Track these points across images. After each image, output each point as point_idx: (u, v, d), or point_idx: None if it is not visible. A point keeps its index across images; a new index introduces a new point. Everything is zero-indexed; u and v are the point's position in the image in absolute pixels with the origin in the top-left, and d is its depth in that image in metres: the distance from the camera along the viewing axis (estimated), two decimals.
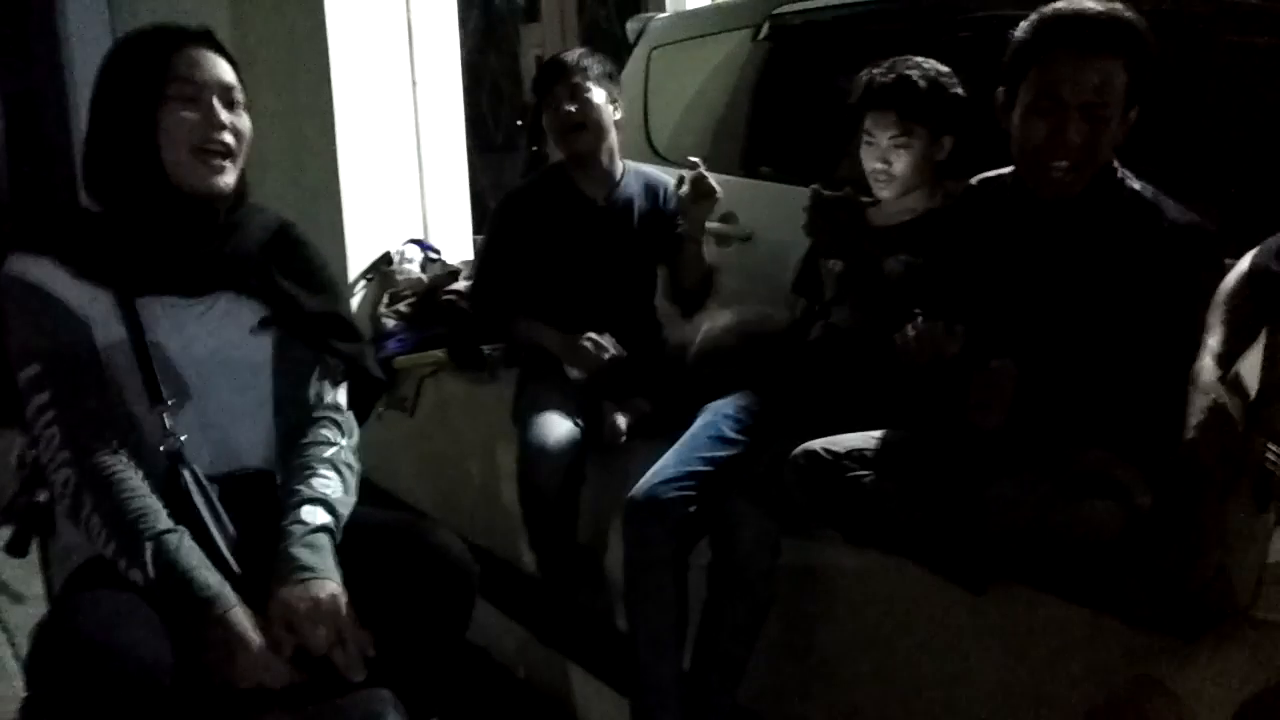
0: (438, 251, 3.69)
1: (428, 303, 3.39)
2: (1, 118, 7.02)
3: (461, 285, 3.32)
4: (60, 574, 1.55)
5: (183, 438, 1.52)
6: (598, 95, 2.49)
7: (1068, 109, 1.60)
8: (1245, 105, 2.03)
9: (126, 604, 1.36)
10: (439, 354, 3.21)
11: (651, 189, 2.64)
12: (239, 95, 1.57)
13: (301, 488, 1.56)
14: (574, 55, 2.53)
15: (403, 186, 3.78)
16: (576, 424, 2.34)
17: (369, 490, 3.62)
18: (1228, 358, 1.41)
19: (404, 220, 3.77)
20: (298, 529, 1.50)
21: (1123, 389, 1.60)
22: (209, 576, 1.41)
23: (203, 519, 1.48)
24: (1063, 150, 1.62)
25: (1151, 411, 1.53)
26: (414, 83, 3.78)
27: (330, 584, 1.46)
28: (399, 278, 3.52)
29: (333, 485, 1.58)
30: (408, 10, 3.76)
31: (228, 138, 1.53)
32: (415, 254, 3.62)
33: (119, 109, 1.53)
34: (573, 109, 2.47)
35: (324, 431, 1.64)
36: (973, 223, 1.85)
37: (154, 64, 1.51)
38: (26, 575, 2.59)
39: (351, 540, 1.57)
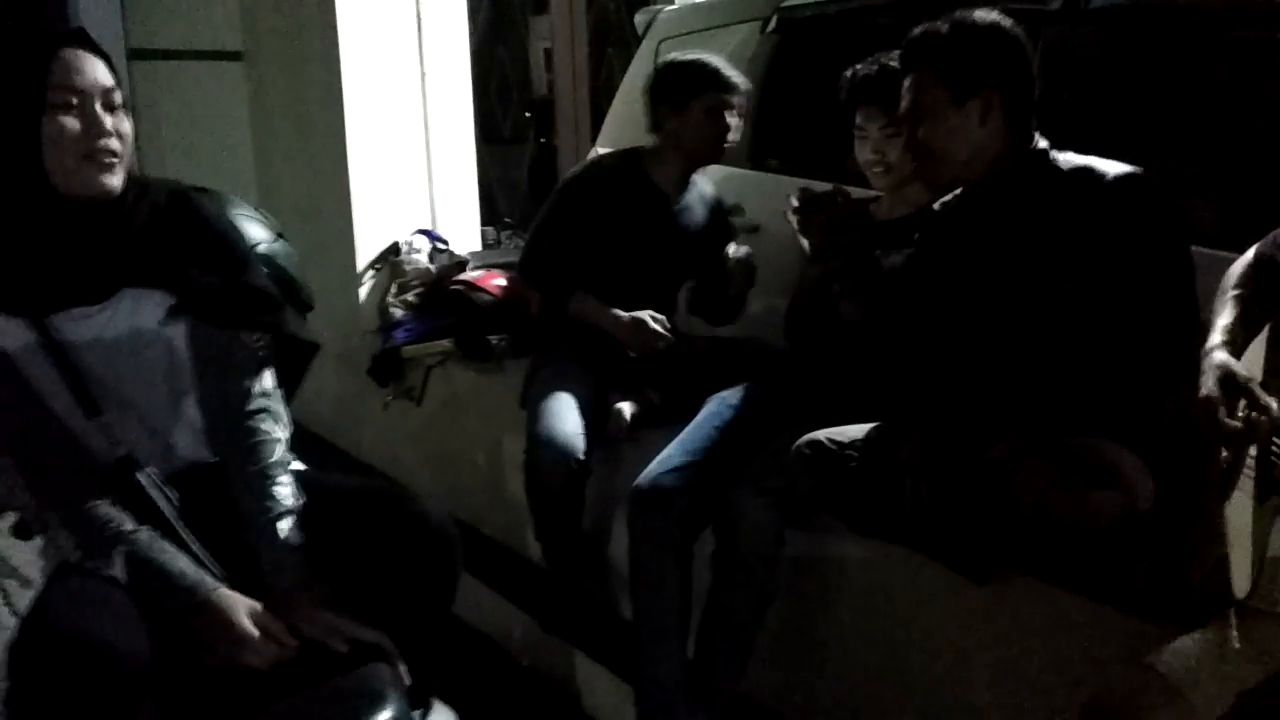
0: (445, 242, 3.70)
1: (435, 293, 3.41)
2: None
3: (471, 275, 3.33)
4: (50, 562, 1.54)
5: (124, 450, 1.51)
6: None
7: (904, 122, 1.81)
8: (1250, 98, 2.03)
9: (104, 595, 1.38)
10: (446, 344, 3.22)
11: (708, 201, 2.67)
12: (118, 96, 1.50)
13: (267, 504, 1.55)
14: (728, 69, 2.51)
15: (411, 177, 3.79)
16: (585, 414, 2.35)
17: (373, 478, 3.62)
18: (1233, 346, 1.42)
19: (412, 211, 3.79)
20: (271, 547, 1.52)
21: (1104, 363, 1.62)
22: (184, 565, 1.42)
23: (165, 517, 1.49)
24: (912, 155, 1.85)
25: (1138, 385, 1.56)
26: (423, 74, 3.79)
27: (310, 600, 1.48)
28: (407, 268, 3.53)
29: (289, 490, 1.58)
30: (417, 2, 3.77)
31: (113, 143, 1.48)
32: (423, 244, 3.64)
33: None
34: (732, 117, 2.48)
35: (263, 426, 1.61)
36: (938, 233, 1.91)
37: (31, 71, 1.44)
38: (35, 560, 2.62)
39: (329, 507, 1.58)
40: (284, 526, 1.53)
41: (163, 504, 1.50)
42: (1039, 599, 1.60)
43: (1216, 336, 1.44)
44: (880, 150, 2.13)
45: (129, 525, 1.44)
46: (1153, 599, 1.44)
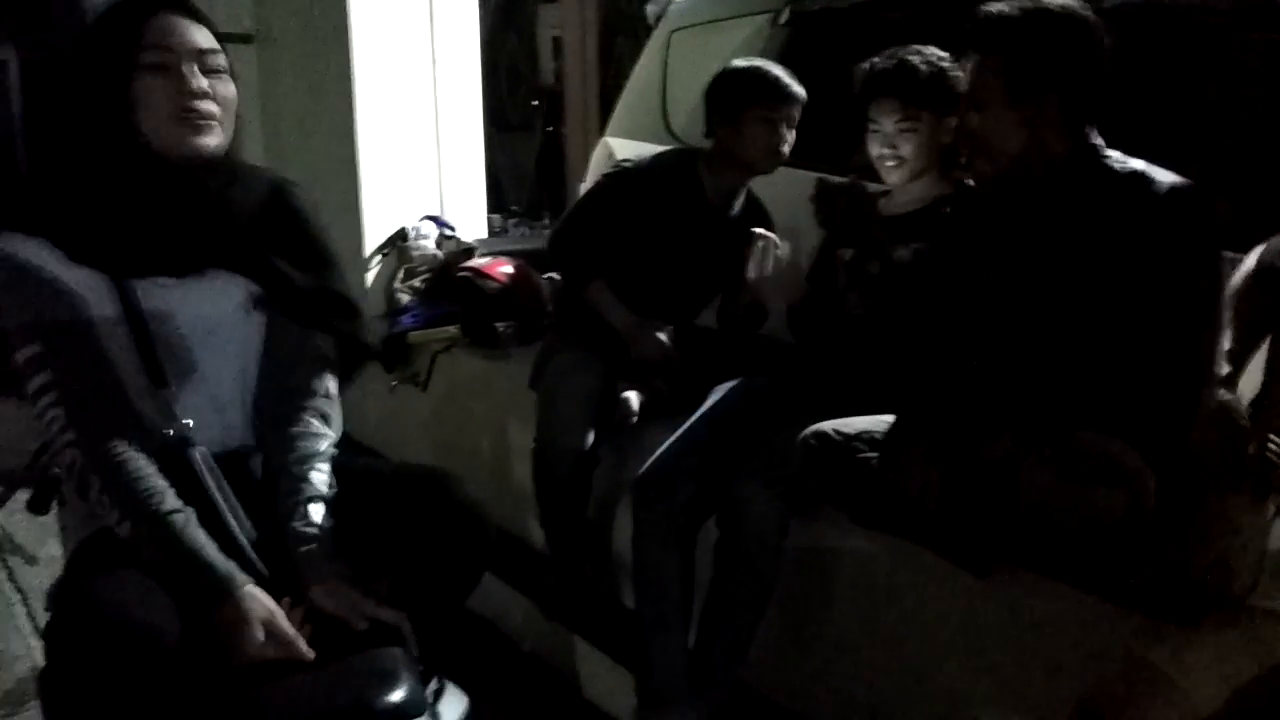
0: (453, 228, 3.71)
1: (442, 279, 3.42)
2: (20, 84, 7.05)
3: (478, 262, 3.34)
4: (74, 539, 1.57)
5: (187, 422, 1.52)
6: None
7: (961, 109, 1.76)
8: (1262, 99, 2.04)
9: (138, 577, 1.38)
10: (453, 330, 3.23)
11: (754, 211, 2.63)
12: (219, 60, 1.52)
13: (301, 486, 1.56)
14: (786, 72, 2.48)
15: (420, 163, 3.80)
16: (593, 403, 2.36)
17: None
18: (1235, 354, 1.42)
19: (420, 197, 3.79)
20: (303, 533, 1.52)
21: (1127, 368, 1.62)
22: (217, 556, 1.42)
23: (213, 499, 1.49)
24: (960, 138, 1.82)
25: (1156, 391, 1.56)
26: (433, 61, 3.79)
27: (334, 576, 1.50)
28: (414, 254, 3.54)
29: (326, 479, 1.59)
30: None
31: (205, 105, 1.49)
32: (431, 230, 3.64)
33: (91, 79, 1.49)
34: (786, 128, 2.46)
35: (314, 423, 1.62)
36: (975, 215, 1.88)
37: (126, 33, 1.47)
38: (41, 537, 2.64)
39: (369, 487, 1.59)
40: (314, 510, 1.54)
41: (211, 484, 1.50)
42: (1040, 593, 1.61)
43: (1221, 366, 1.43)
44: (893, 145, 2.13)
45: (170, 504, 1.43)
46: (1153, 595, 1.45)
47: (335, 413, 1.67)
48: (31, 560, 2.77)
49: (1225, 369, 1.41)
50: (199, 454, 1.51)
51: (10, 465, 1.74)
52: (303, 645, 1.42)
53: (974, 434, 1.68)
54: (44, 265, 1.46)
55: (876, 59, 2.15)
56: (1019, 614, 1.64)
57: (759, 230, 2.37)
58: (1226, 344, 1.43)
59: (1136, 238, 1.62)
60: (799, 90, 2.46)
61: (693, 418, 2.17)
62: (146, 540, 1.42)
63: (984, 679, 1.70)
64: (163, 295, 1.52)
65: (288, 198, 1.66)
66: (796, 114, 2.47)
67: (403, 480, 1.68)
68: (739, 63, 2.54)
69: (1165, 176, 1.65)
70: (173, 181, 1.51)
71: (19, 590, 2.72)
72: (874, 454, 1.78)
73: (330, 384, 1.68)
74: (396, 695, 1.38)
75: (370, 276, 3.65)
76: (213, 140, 1.51)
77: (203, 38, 1.51)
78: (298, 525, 1.53)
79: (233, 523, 1.50)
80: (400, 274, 3.53)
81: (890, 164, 2.16)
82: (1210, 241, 1.61)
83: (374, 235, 3.68)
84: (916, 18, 2.65)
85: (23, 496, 1.67)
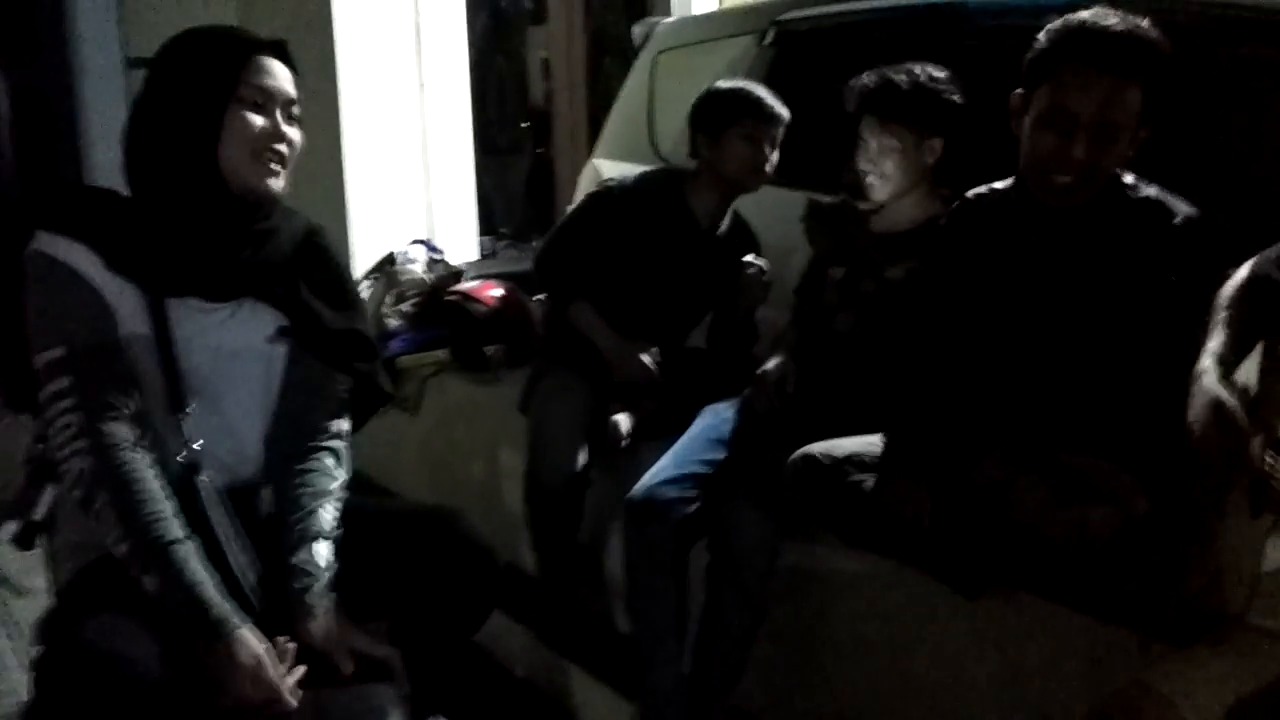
0: (441, 252, 3.70)
1: (432, 303, 3.41)
2: (10, 111, 7.03)
3: (466, 285, 3.33)
4: (63, 572, 1.55)
5: (198, 445, 1.52)
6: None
7: (1076, 124, 1.58)
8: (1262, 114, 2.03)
9: (127, 614, 1.38)
10: (442, 354, 3.22)
11: (746, 236, 2.63)
12: (297, 110, 1.59)
13: (307, 522, 1.58)
14: (765, 89, 2.50)
15: (408, 188, 3.80)
16: (584, 426, 2.35)
17: (370, 488, 3.62)
18: (1227, 364, 1.42)
19: (409, 221, 3.79)
20: (306, 569, 1.54)
21: (1132, 394, 1.60)
22: (214, 595, 1.41)
23: (214, 531, 1.49)
24: (1067, 164, 1.61)
25: (1152, 413, 1.54)
26: (421, 84, 3.80)
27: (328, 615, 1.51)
28: (402, 278, 3.53)
29: (334, 519, 1.60)
30: (416, 12, 3.78)
31: (283, 148, 1.55)
32: (420, 254, 3.64)
33: (184, 103, 1.52)
34: (768, 147, 2.46)
35: (326, 461, 1.65)
36: (972, 235, 1.85)
37: (228, 65, 1.52)
38: (31, 569, 2.61)
39: (377, 527, 1.61)
40: (318, 548, 1.55)
41: (215, 514, 1.50)
42: (1033, 614, 1.60)
43: (1207, 360, 1.42)
44: (874, 162, 2.13)
45: (175, 533, 1.43)
46: (1148, 615, 1.44)
47: (347, 454, 1.69)
48: (21, 593, 2.74)
49: (1218, 376, 1.40)
50: (207, 481, 1.51)
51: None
52: (286, 694, 1.40)
53: (965, 455, 1.67)
54: (83, 271, 1.47)
55: (864, 76, 2.15)
56: (1012, 635, 1.63)
57: (749, 259, 2.37)
58: (1218, 351, 1.43)
59: (1149, 266, 1.61)
60: (782, 110, 2.47)
61: (683, 438, 2.16)
62: (143, 564, 1.41)
63: (978, 701, 1.68)
64: (194, 317, 1.54)
65: (321, 240, 1.72)
66: (779, 133, 2.48)
67: (412, 520, 1.70)
68: (723, 83, 2.56)
69: (1182, 207, 1.63)
70: (236, 214, 1.56)
71: (4, 624, 2.70)
72: (862, 476, 1.77)
73: (344, 425, 1.71)
74: None
75: None
76: (280, 183, 1.57)
77: (292, 87, 1.58)
78: (299, 562, 1.54)
79: (234, 555, 1.50)
80: (389, 299, 3.52)
81: (872, 180, 2.15)
82: (1216, 275, 1.56)
83: (363, 260, 3.67)
84: (901, 38, 2.67)
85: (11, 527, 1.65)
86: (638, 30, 3.73)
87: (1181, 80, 1.60)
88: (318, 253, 1.69)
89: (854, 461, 1.79)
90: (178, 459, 1.50)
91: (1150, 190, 1.67)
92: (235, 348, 1.57)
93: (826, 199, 2.24)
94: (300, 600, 1.51)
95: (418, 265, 3.58)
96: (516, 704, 2.52)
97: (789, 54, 3.04)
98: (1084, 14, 1.61)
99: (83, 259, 1.47)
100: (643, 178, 2.65)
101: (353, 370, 1.70)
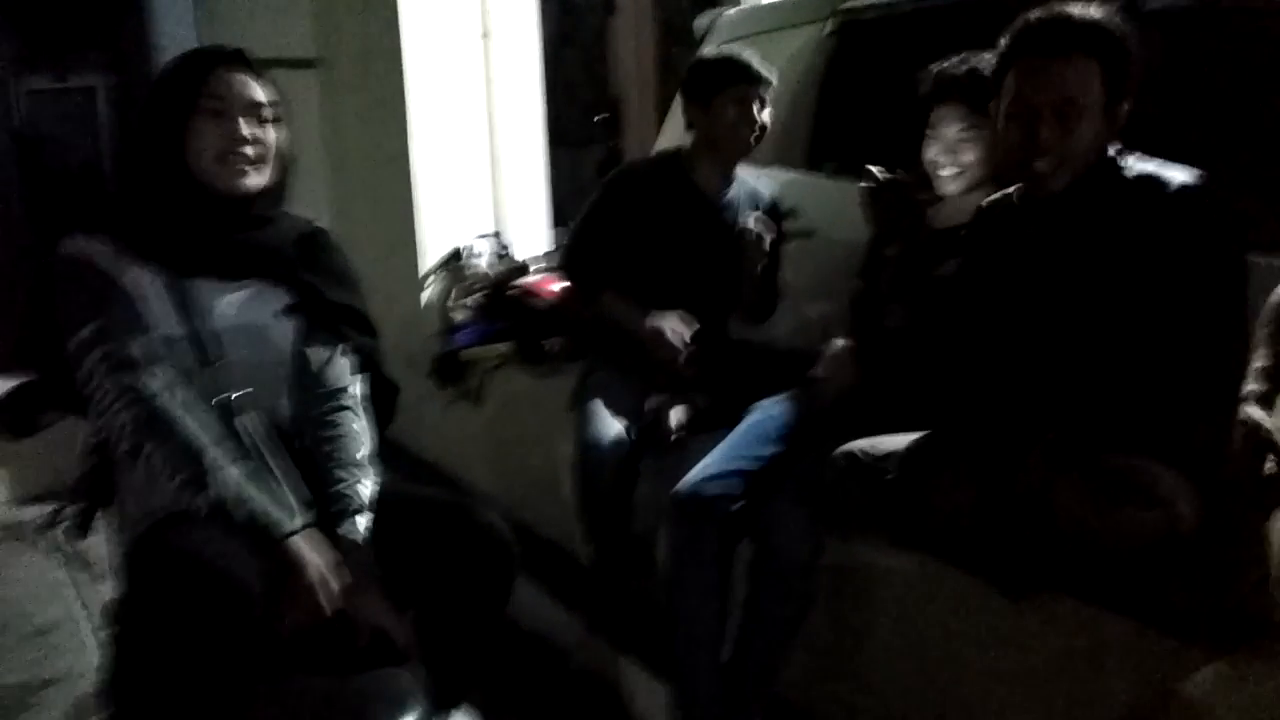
0: (507, 246, 3.74)
1: (496, 297, 3.45)
2: (111, 107, 7.32)
3: (528, 280, 3.37)
4: (126, 540, 1.63)
5: (236, 394, 1.63)
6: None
7: (1038, 112, 1.64)
8: None
9: (218, 527, 1.47)
10: (504, 347, 3.27)
11: (753, 198, 2.66)
12: (267, 111, 1.70)
13: (345, 493, 1.65)
14: (752, 53, 2.54)
15: (475, 184, 3.84)
16: (633, 420, 2.36)
17: (434, 478, 3.71)
18: (1270, 372, 1.37)
19: (476, 216, 3.84)
20: (345, 542, 1.60)
21: (1154, 377, 1.56)
22: (268, 504, 1.52)
23: (265, 458, 1.60)
24: (1035, 150, 1.66)
25: (1185, 399, 1.51)
26: (488, 80, 3.83)
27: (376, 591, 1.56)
28: (468, 272, 3.59)
29: (369, 487, 1.68)
30: (484, 9, 3.81)
31: (250, 150, 1.68)
32: (485, 249, 3.69)
33: (156, 119, 1.68)
34: (757, 108, 2.50)
35: (342, 420, 1.74)
36: (989, 237, 1.84)
37: (190, 81, 1.66)
38: (107, 554, 2.73)
39: (396, 516, 1.65)
40: (358, 522, 1.63)
41: (262, 447, 1.61)
42: (1075, 618, 1.56)
43: (1250, 384, 1.38)
44: (953, 152, 2.09)
45: (223, 458, 1.53)
46: (1192, 621, 1.40)
47: (365, 416, 1.79)
48: (98, 578, 2.85)
49: (1260, 387, 1.36)
50: (248, 420, 1.63)
51: (60, 484, 1.81)
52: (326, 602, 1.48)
53: (1007, 453, 1.64)
54: (102, 260, 1.62)
55: (946, 63, 2.10)
56: (1054, 638, 1.60)
57: (746, 219, 2.46)
58: (1262, 361, 1.38)
59: (1150, 240, 1.58)
60: (769, 74, 2.51)
61: (732, 434, 2.15)
62: (195, 490, 1.50)
63: (1018, 703, 1.65)
64: (212, 294, 1.67)
65: (322, 238, 1.86)
66: (767, 95, 2.51)
67: (430, 509, 1.74)
68: (708, 52, 2.63)
69: (1177, 175, 1.60)
70: (217, 210, 1.70)
71: (85, 607, 2.81)
72: (902, 475, 1.74)
73: (359, 387, 1.80)
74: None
75: (426, 295, 3.70)
76: (252, 180, 1.70)
77: (256, 91, 1.70)
78: (345, 534, 1.61)
79: (282, 479, 1.59)
80: (455, 293, 3.58)
81: (948, 172, 2.11)
82: (1225, 236, 1.56)
83: (430, 255, 3.73)
84: (965, 26, 2.62)
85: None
86: (700, 22, 3.71)
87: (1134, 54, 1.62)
88: (318, 247, 1.83)
89: (893, 459, 1.77)
90: (213, 402, 1.61)
91: (1147, 165, 1.65)
92: (245, 319, 1.69)
93: (889, 176, 2.20)
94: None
95: (482, 260, 3.63)
96: (572, 693, 2.55)
97: (849, 43, 3.00)
98: (1034, 11, 1.68)
99: (100, 251, 1.62)
100: (646, 160, 2.71)
101: (352, 340, 1.81)
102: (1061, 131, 1.63)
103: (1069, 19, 1.62)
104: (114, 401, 1.54)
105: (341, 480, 1.66)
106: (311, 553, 1.51)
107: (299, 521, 1.53)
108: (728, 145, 2.54)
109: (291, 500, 1.56)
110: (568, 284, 2.79)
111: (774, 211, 2.68)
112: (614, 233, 2.59)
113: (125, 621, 1.41)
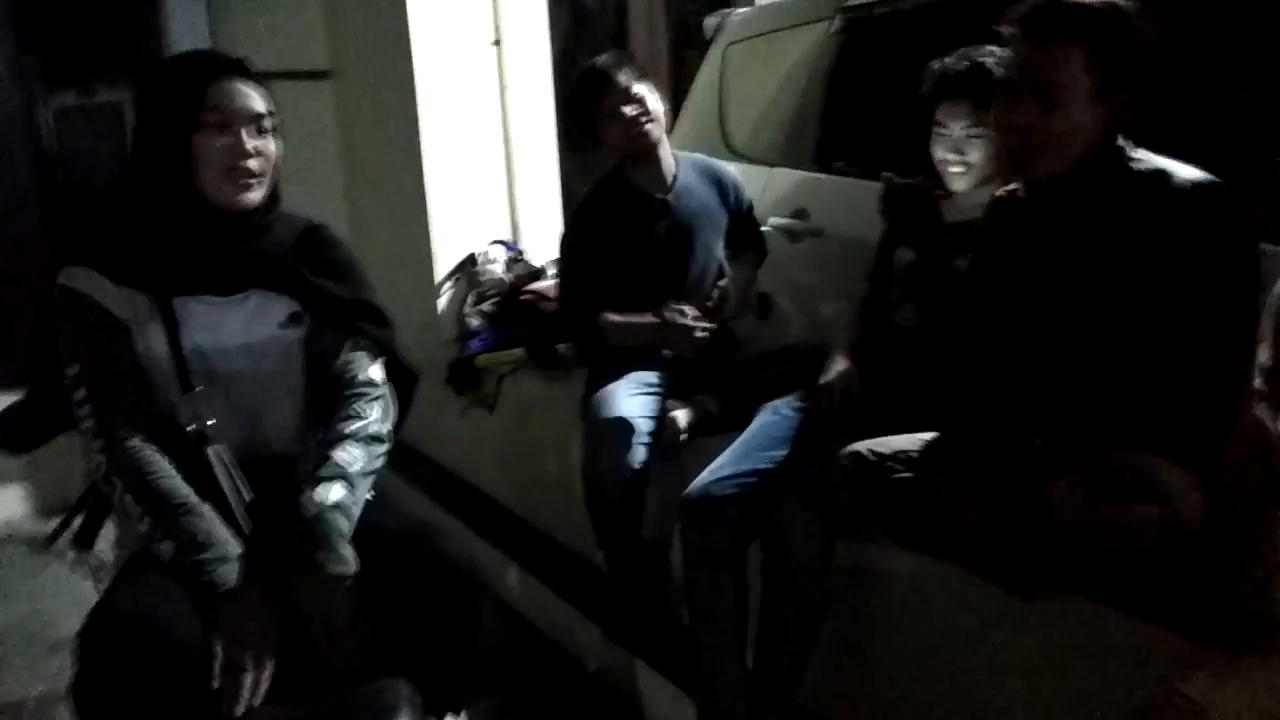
0: (521, 252, 3.75)
1: (510, 302, 3.46)
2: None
3: (540, 285, 3.37)
4: (118, 562, 1.65)
5: (210, 421, 1.62)
6: (647, 88, 2.54)
7: (1018, 93, 1.62)
8: None
9: (165, 585, 1.47)
10: (518, 353, 3.27)
11: (708, 174, 2.70)
12: (268, 121, 1.67)
13: (322, 463, 1.65)
14: (610, 59, 2.57)
15: (489, 190, 3.85)
16: (641, 424, 2.36)
17: (451, 484, 3.71)
18: (1273, 385, 1.35)
19: (491, 222, 3.85)
20: (310, 508, 1.58)
21: (1160, 373, 1.55)
22: (219, 554, 1.49)
23: (223, 493, 1.59)
24: (1010, 130, 1.64)
25: (1191, 395, 1.49)
26: (502, 86, 3.84)
27: (333, 576, 1.54)
28: (483, 278, 3.59)
29: (356, 459, 1.66)
30: (495, 16, 3.82)
31: (253, 163, 1.65)
32: (499, 254, 3.69)
33: (157, 133, 1.65)
34: (629, 109, 2.50)
35: (355, 406, 1.73)
36: (999, 231, 1.82)
37: (190, 93, 1.62)
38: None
39: (364, 547, 1.62)
40: (334, 488, 1.61)
41: (223, 477, 1.60)
42: (1084, 616, 1.55)
43: (1255, 373, 1.36)
44: (960, 150, 2.08)
45: (184, 499, 1.53)
46: (1199, 618, 1.39)
47: (383, 398, 1.77)
48: None
49: (1265, 386, 1.34)
50: (216, 451, 1.62)
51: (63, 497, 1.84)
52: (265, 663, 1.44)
53: (1011, 452, 1.62)
54: (93, 293, 1.61)
55: (948, 60, 2.09)
56: (1063, 637, 1.58)
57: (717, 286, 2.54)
58: (1267, 361, 1.36)
59: (1160, 237, 1.56)
60: (605, 63, 2.53)
61: (741, 436, 2.15)
62: (160, 534, 1.50)
63: (1030, 703, 1.64)
64: (207, 312, 1.66)
65: (321, 234, 1.84)
66: (628, 83, 2.50)
67: (391, 542, 1.70)
68: (580, 70, 2.61)
69: (1187, 174, 1.57)
70: (219, 226, 1.68)
71: None
72: (910, 474, 1.73)
73: (375, 372, 1.78)
74: None
75: (442, 302, 3.71)
76: (255, 195, 1.68)
77: (256, 102, 1.66)
78: (303, 500, 1.59)
79: (239, 515, 1.59)
80: (470, 298, 3.59)
81: (956, 170, 2.11)
82: (1233, 241, 1.53)
83: (445, 261, 3.74)
84: (969, 22, 2.59)
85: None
86: (709, 22, 3.72)
87: (1132, 41, 1.58)
88: (318, 243, 1.81)
89: (900, 459, 1.76)
90: (189, 430, 1.61)
91: (1157, 161, 1.62)
92: (247, 334, 1.68)
93: (902, 180, 2.20)
94: (307, 540, 1.55)
95: (497, 266, 3.64)
96: (588, 700, 2.55)
97: (854, 41, 2.99)
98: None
99: (92, 282, 1.62)
100: (589, 191, 2.73)
101: (367, 334, 1.79)
102: (1041, 113, 1.60)
103: (1057, 2, 1.59)
104: (94, 439, 1.57)
105: (322, 450, 1.66)
106: (255, 606, 1.47)
107: (239, 579, 1.48)
108: (624, 153, 2.58)
109: (236, 553, 1.52)
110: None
111: (731, 180, 2.72)
112: (592, 266, 2.63)
113: (83, 700, 1.41)
